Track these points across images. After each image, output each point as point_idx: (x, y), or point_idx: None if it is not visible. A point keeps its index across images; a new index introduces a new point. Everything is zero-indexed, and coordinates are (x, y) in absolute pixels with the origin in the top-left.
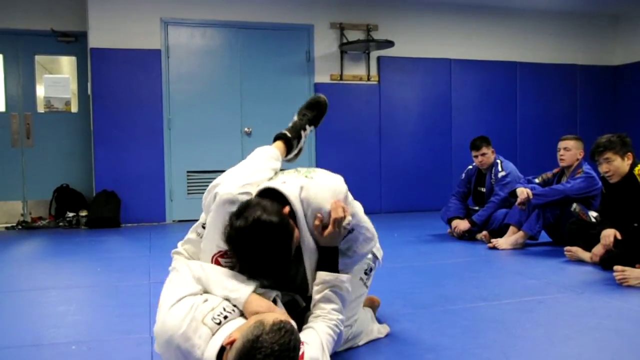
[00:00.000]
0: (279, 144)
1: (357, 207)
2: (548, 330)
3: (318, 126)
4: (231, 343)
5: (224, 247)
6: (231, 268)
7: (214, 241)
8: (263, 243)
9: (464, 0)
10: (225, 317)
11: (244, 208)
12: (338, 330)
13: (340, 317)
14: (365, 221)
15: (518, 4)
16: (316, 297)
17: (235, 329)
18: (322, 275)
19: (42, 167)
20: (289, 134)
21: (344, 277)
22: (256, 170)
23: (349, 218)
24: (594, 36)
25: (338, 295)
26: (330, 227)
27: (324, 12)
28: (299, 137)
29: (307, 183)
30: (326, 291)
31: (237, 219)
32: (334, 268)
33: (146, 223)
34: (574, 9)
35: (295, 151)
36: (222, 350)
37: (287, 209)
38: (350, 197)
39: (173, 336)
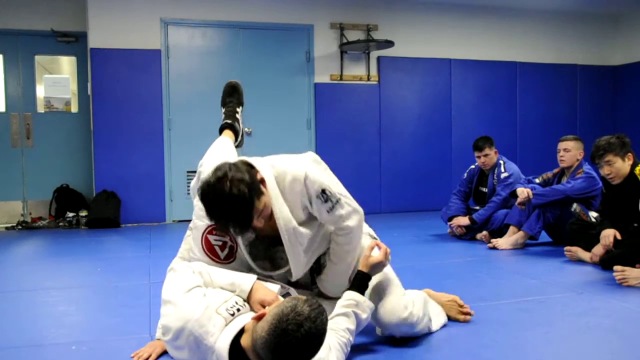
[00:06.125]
0: (229, 132)
1: (335, 179)
2: (548, 330)
3: (243, 104)
4: (260, 317)
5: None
6: (222, 246)
7: (204, 217)
8: (229, 192)
9: (464, 0)
10: (238, 310)
11: (219, 166)
12: (346, 350)
13: (351, 338)
14: (347, 194)
15: (518, 4)
16: (339, 310)
17: (266, 308)
18: (353, 293)
19: (42, 167)
20: (229, 121)
21: (371, 304)
22: (229, 151)
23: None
24: (594, 36)
25: (357, 318)
26: (381, 254)
27: (324, 12)
28: (237, 120)
29: (275, 159)
30: (350, 310)
31: (212, 173)
32: (363, 292)
33: (146, 223)
34: (574, 9)
35: (241, 133)
36: (234, 342)
37: (260, 175)
38: (325, 165)
39: (187, 322)
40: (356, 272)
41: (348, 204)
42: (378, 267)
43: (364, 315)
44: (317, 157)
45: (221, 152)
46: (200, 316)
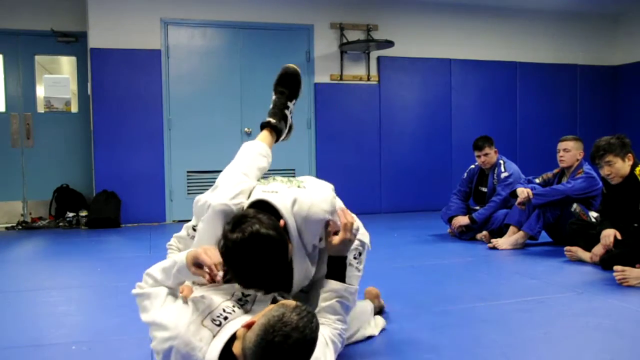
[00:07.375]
0: (266, 133)
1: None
2: (548, 330)
3: (298, 97)
4: (249, 325)
5: None
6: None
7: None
8: (260, 256)
9: (465, 0)
10: (226, 318)
11: (240, 220)
12: (341, 339)
13: (344, 326)
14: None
15: (519, 4)
16: (323, 304)
17: (255, 315)
18: (331, 284)
19: (42, 167)
20: (273, 120)
21: (352, 288)
22: (246, 172)
23: (357, 223)
24: (594, 36)
25: (344, 306)
26: (341, 234)
27: (324, 12)
28: (285, 118)
29: (300, 195)
30: (333, 301)
31: (233, 231)
32: (342, 277)
33: (146, 223)
34: (574, 9)
35: (286, 131)
36: (224, 351)
37: (282, 223)
38: (340, 203)
39: (173, 342)
40: (328, 258)
41: (362, 236)
42: (344, 244)
43: (350, 298)
44: (335, 198)
45: (242, 169)
46: (184, 334)
